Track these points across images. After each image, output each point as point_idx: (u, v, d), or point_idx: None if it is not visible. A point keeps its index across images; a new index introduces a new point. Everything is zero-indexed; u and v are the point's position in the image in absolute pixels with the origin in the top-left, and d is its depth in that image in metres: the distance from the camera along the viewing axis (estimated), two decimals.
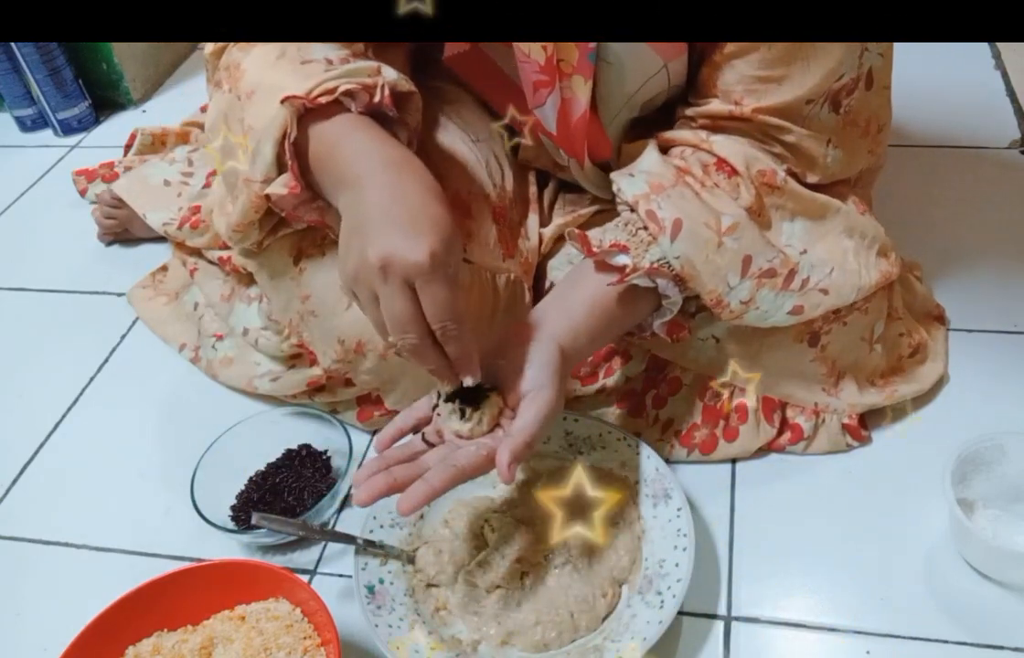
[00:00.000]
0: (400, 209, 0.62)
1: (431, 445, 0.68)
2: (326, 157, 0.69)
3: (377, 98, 0.70)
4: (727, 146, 0.75)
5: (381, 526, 0.77)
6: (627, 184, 0.75)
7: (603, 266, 0.73)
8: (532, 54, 0.73)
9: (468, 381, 0.64)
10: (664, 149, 0.78)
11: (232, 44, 0.77)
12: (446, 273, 0.60)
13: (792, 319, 0.77)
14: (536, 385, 0.66)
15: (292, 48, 0.73)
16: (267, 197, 0.72)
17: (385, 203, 0.63)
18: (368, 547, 0.75)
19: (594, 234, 0.74)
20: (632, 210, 0.74)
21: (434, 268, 0.60)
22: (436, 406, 0.68)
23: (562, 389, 0.68)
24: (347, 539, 0.76)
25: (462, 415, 0.65)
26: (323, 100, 0.69)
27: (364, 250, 0.61)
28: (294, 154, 0.70)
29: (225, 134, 0.76)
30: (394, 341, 0.63)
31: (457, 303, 0.61)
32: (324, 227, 0.76)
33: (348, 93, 0.69)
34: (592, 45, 0.72)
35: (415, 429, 0.70)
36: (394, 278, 0.60)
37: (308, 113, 0.69)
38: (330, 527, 0.83)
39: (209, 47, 0.80)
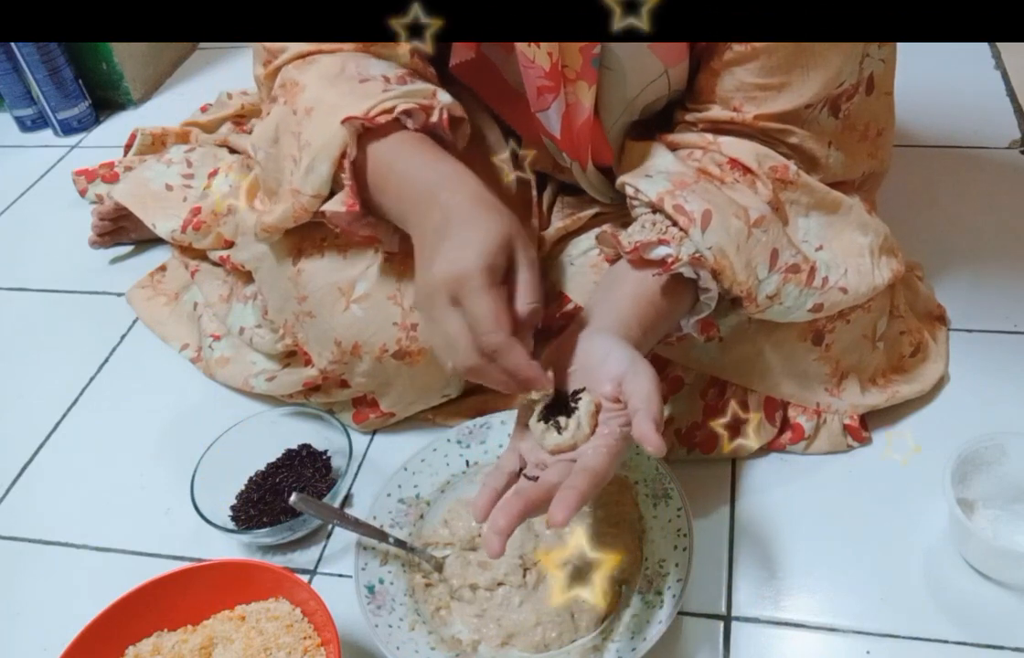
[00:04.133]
0: (446, 234, 0.63)
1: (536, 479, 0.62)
2: (384, 177, 0.71)
3: (435, 118, 0.72)
4: (736, 146, 0.75)
5: (381, 526, 0.77)
6: (647, 184, 0.74)
7: (641, 263, 0.71)
8: (537, 59, 0.73)
9: (534, 394, 0.62)
10: (671, 151, 0.78)
11: (285, 65, 0.79)
12: (484, 282, 0.60)
13: (812, 316, 0.77)
14: (628, 360, 0.62)
15: (351, 65, 0.75)
16: (323, 213, 0.75)
17: (437, 226, 0.64)
18: (398, 546, 0.75)
19: (619, 236, 0.73)
20: (654, 210, 0.73)
21: (469, 279, 0.60)
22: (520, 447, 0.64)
23: None
24: (379, 535, 0.75)
25: (559, 429, 0.62)
26: (381, 120, 0.71)
27: (421, 278, 0.64)
28: (353, 173, 0.72)
29: (273, 144, 0.79)
30: (453, 365, 0.62)
31: (495, 315, 0.60)
32: (375, 242, 0.79)
33: (406, 112, 0.71)
34: (596, 51, 0.72)
35: (508, 485, 0.62)
36: (441, 298, 0.61)
37: (366, 132, 0.72)
38: (331, 529, 0.83)
39: (260, 70, 0.82)
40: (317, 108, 0.74)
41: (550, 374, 0.63)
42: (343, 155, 0.72)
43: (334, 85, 0.74)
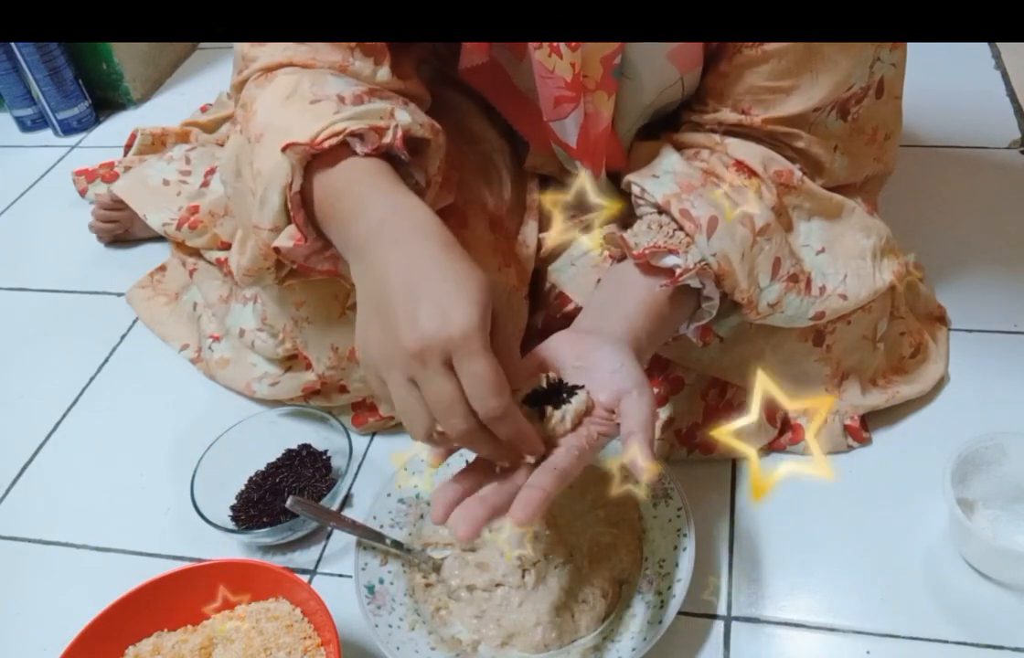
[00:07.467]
0: (423, 282, 0.56)
1: None
2: (331, 208, 0.65)
3: (388, 140, 0.66)
4: (742, 148, 0.75)
5: (381, 526, 0.77)
6: (654, 185, 0.73)
7: (649, 269, 0.71)
8: (557, 70, 0.71)
9: (530, 459, 0.60)
10: (677, 150, 0.78)
11: (250, 78, 0.74)
12: (483, 343, 0.54)
13: (813, 323, 0.77)
14: (635, 382, 0.61)
15: (305, 84, 0.69)
16: (276, 249, 0.69)
17: (405, 277, 0.57)
18: (395, 547, 0.75)
19: (626, 237, 0.73)
20: (661, 211, 0.73)
21: (468, 340, 0.54)
22: None
23: None
24: (376, 536, 0.75)
25: (542, 416, 0.61)
26: (327, 145, 0.64)
27: (395, 334, 0.55)
28: (299, 204, 0.66)
29: (236, 177, 0.73)
30: (440, 429, 0.56)
31: (498, 377, 0.55)
32: (338, 277, 0.72)
33: (355, 135, 0.65)
34: (616, 61, 0.72)
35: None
36: (433, 360, 0.54)
37: (315, 159, 0.65)
38: (330, 529, 0.83)
39: (234, 77, 0.77)
40: (267, 133, 0.68)
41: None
42: (290, 184, 0.66)
43: (284, 107, 0.68)
